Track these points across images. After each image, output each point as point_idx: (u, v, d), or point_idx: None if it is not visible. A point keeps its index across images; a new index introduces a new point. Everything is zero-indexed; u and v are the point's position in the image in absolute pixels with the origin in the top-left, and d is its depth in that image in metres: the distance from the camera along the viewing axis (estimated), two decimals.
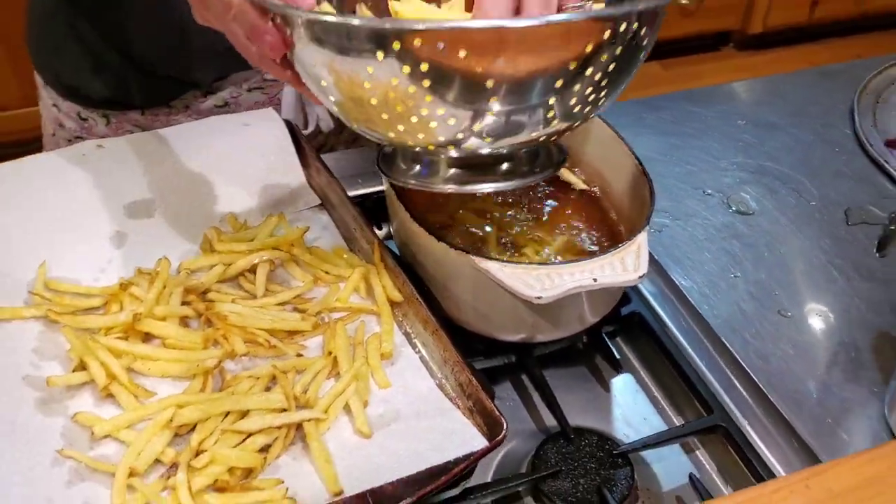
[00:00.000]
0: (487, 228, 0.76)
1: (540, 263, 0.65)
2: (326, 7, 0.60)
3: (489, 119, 0.52)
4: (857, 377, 0.73)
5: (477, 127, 0.52)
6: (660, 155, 0.98)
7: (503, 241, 0.75)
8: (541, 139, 0.55)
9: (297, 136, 0.79)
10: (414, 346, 0.64)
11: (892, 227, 0.75)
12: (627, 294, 0.77)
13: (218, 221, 0.72)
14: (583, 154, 0.82)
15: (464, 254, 0.65)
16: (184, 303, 0.63)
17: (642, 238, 0.67)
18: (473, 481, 0.61)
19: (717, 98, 1.08)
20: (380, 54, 0.48)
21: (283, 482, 0.53)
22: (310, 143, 0.79)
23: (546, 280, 0.62)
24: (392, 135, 0.54)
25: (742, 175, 0.95)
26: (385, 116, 0.52)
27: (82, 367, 0.59)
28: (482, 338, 0.70)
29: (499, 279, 0.62)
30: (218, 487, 0.53)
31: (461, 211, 0.77)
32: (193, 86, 0.87)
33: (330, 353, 0.60)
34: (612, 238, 0.77)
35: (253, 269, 0.67)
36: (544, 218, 0.79)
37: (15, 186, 0.71)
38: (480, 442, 0.54)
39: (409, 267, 0.70)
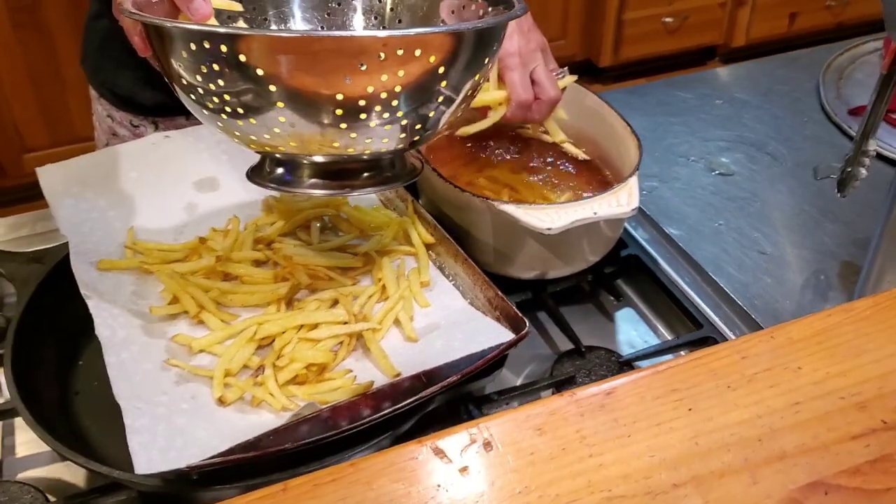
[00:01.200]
0: (502, 191, 0.89)
1: (549, 204, 0.77)
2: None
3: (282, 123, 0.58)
4: (826, 297, 0.85)
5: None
6: (647, 132, 1.10)
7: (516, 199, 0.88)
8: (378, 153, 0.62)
9: None
10: (448, 277, 0.76)
11: (848, 169, 0.88)
12: (624, 240, 0.90)
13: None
14: (583, 129, 0.95)
15: (485, 200, 0.77)
16: (255, 251, 0.76)
17: (633, 180, 0.79)
18: (503, 386, 0.74)
19: (696, 83, 1.21)
20: (184, 52, 0.56)
21: (351, 371, 0.65)
22: None
23: (555, 215, 0.75)
24: (237, 134, 0.61)
25: (721, 144, 1.08)
26: (224, 116, 0.59)
27: (175, 301, 0.71)
28: (502, 278, 0.82)
29: (516, 217, 0.75)
30: (298, 382, 0.65)
31: (480, 179, 0.90)
32: None
33: (379, 280, 0.73)
34: None
35: (307, 224, 0.79)
36: (552, 181, 0.91)
37: (103, 171, 0.84)
38: (508, 335, 0.66)
39: (438, 221, 0.83)
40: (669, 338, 0.85)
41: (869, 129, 0.84)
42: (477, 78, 0.63)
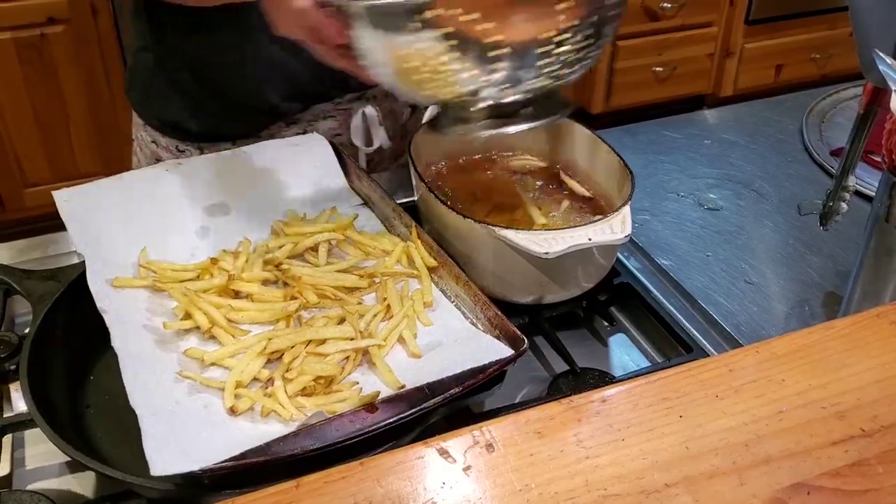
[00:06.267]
0: (502, 219, 0.93)
1: (546, 230, 0.81)
2: None
3: (497, 74, 0.68)
4: (809, 325, 0.89)
5: (488, 79, 0.68)
6: (639, 169, 1.14)
7: None
8: (540, 90, 0.71)
9: (338, 152, 0.96)
10: (449, 299, 0.79)
11: (830, 204, 0.92)
12: (617, 269, 0.93)
13: (281, 216, 0.89)
14: (580, 165, 0.99)
15: (486, 225, 0.81)
16: (264, 271, 0.79)
17: (626, 209, 0.83)
18: (501, 404, 0.77)
19: (685, 124, 1.26)
20: (411, 25, 0.64)
21: (358, 383, 0.68)
22: (350, 157, 0.96)
23: (552, 241, 0.79)
24: (427, 92, 0.70)
25: (709, 181, 1.13)
26: (416, 77, 0.68)
27: (188, 317, 0.74)
28: (501, 302, 0.86)
29: (514, 242, 0.79)
30: (306, 393, 0.68)
31: (481, 207, 0.94)
32: (279, 117, 1.03)
33: (384, 299, 0.76)
34: None
35: (315, 247, 0.83)
36: (551, 212, 0.94)
37: (117, 195, 0.87)
38: (508, 351, 0.69)
39: (440, 246, 0.86)
40: (658, 359, 0.88)
41: (849, 164, 0.89)
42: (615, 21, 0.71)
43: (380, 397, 0.66)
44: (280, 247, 0.83)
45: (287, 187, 0.91)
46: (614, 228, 0.81)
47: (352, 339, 0.71)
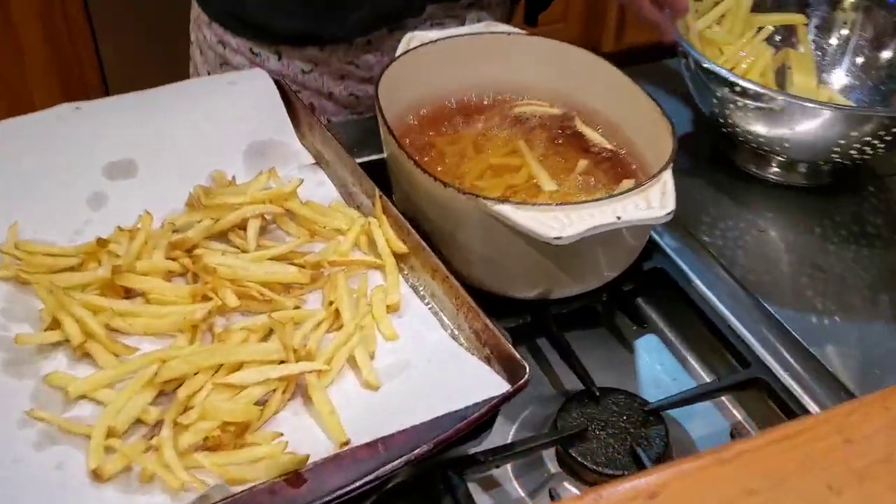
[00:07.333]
0: (499, 186, 0.70)
1: (557, 203, 0.59)
2: None
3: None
4: None
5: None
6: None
7: None
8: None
9: (287, 95, 0.73)
10: (422, 299, 0.58)
11: None
12: (647, 250, 0.72)
13: (205, 180, 0.67)
14: (603, 112, 0.77)
15: (474, 197, 0.59)
16: (168, 259, 0.58)
17: (667, 175, 0.62)
18: (491, 442, 0.56)
19: None
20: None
21: (282, 434, 0.47)
22: (301, 101, 0.74)
23: (565, 220, 0.57)
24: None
25: None
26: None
27: (56, 325, 0.53)
28: (494, 297, 0.64)
29: (513, 221, 0.57)
30: (209, 446, 0.47)
31: (471, 171, 0.72)
32: (386, 20, 0.87)
33: (331, 303, 0.55)
34: None
35: (243, 225, 0.61)
36: (564, 176, 0.72)
37: None
38: (501, 386, 0.48)
39: (413, 224, 0.64)
40: (703, 373, 0.68)
41: None
42: None
43: (312, 460, 0.45)
44: (197, 222, 0.61)
45: (214, 140, 0.70)
46: (651, 201, 0.60)
47: (281, 363, 0.50)
